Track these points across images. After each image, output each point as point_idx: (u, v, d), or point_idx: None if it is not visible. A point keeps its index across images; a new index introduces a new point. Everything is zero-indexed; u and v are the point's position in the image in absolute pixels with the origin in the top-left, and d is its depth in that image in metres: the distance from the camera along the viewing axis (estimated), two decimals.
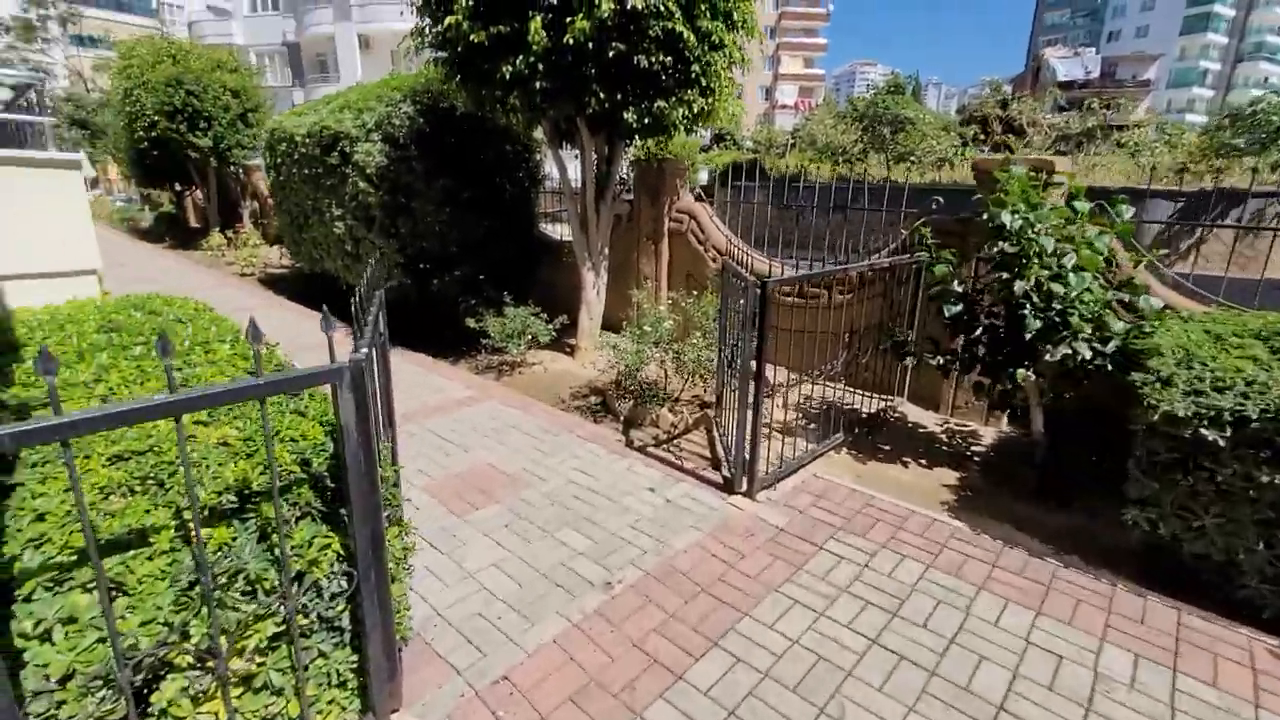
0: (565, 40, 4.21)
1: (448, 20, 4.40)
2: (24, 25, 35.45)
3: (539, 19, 4.25)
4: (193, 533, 1.73)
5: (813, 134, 34.52)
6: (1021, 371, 3.51)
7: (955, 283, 3.74)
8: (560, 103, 4.78)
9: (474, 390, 5.30)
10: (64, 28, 37.41)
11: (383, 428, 2.81)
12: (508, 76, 4.47)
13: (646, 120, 4.88)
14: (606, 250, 6.17)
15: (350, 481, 1.77)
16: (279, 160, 8.27)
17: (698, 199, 6.63)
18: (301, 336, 6.84)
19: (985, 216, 3.50)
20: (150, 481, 1.95)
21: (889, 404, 4.96)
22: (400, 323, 7.88)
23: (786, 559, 3.01)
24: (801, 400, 4.87)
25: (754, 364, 3.35)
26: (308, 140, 7.22)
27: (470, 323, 6.00)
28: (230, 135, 12.63)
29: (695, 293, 5.59)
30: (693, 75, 4.87)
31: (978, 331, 3.68)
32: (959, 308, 3.69)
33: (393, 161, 6.56)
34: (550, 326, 5.96)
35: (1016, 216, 3.36)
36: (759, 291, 3.22)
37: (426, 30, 4.90)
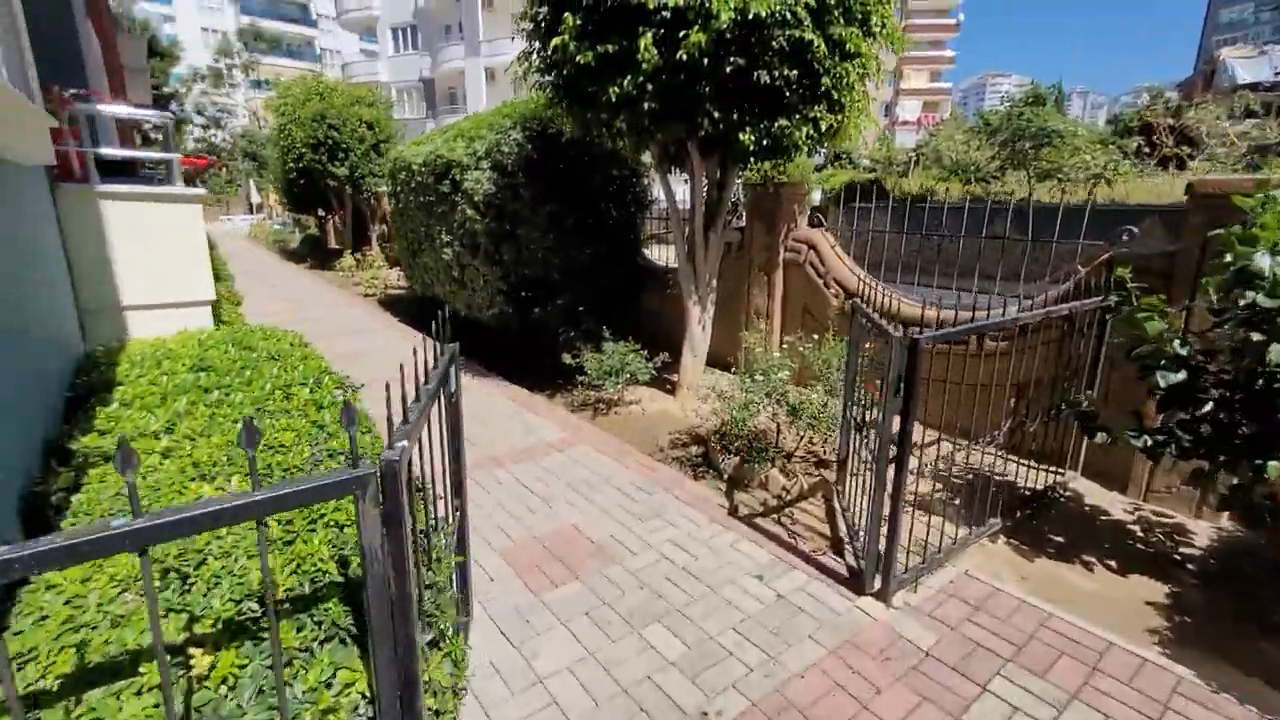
0: (678, 56, 3.79)
1: (554, 41, 4.14)
2: (215, 74, 41.11)
3: (649, 35, 3.87)
4: (193, 661, 1.40)
5: (938, 151, 32.20)
6: (1276, 464, 2.58)
7: (1176, 342, 2.86)
8: (669, 124, 4.37)
9: (567, 432, 4.96)
10: (245, 74, 42.98)
11: (450, 498, 2.47)
12: (614, 98, 4.12)
13: (765, 141, 4.35)
14: (714, 282, 5.67)
15: (371, 616, 1.37)
16: (398, 188, 8.56)
17: (815, 225, 5.98)
18: (405, 363, 6.88)
19: (1228, 258, 2.62)
20: (173, 575, 1.67)
21: (1058, 479, 4.02)
22: (500, 350, 7.89)
23: (939, 701, 2.31)
24: (943, 465, 4.06)
25: (895, 439, 2.69)
26: (423, 169, 7.36)
27: (567, 358, 5.70)
28: (364, 164, 13.52)
29: (815, 336, 4.94)
30: (821, 89, 4.29)
31: (1207, 407, 2.78)
32: (1180, 375, 2.81)
33: (500, 189, 6.47)
34: (650, 365, 5.52)
35: (1278, 259, 2.47)
36: (908, 349, 2.58)
37: (534, 54, 4.69)
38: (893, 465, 2.71)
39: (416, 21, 34.49)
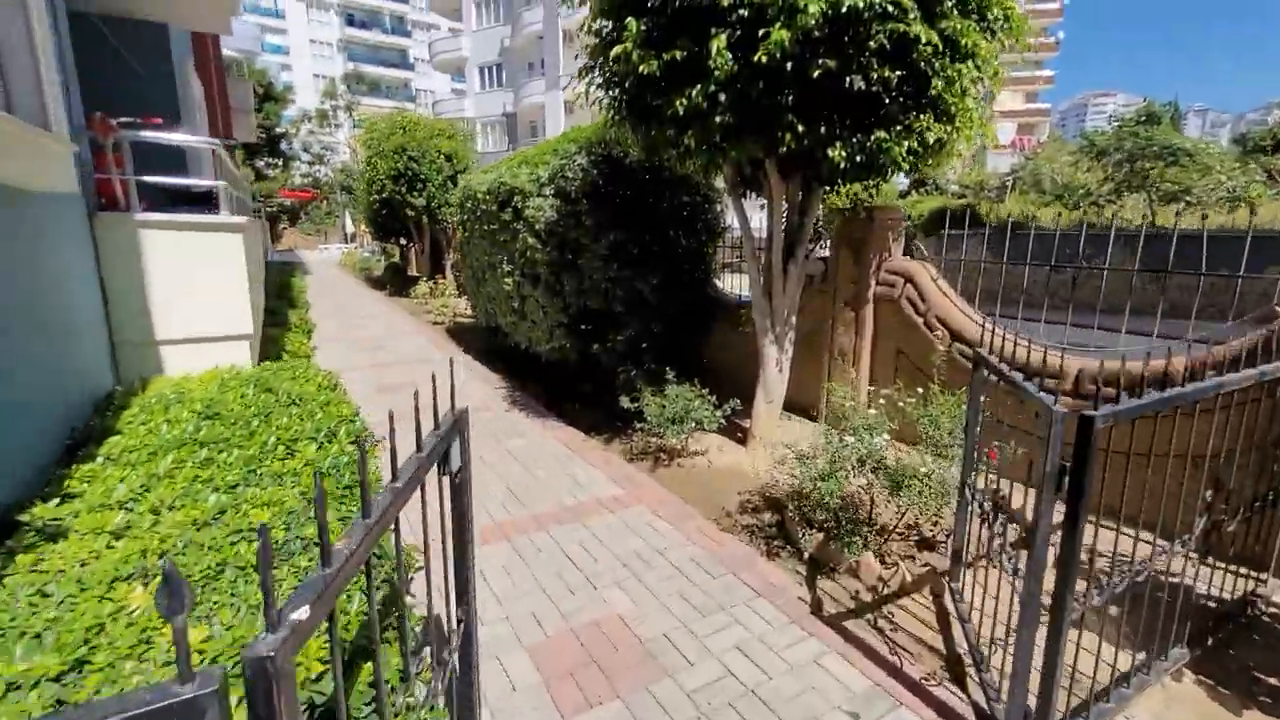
0: (756, 59, 3.24)
1: (616, 50, 3.69)
2: (321, 114, 44.49)
3: (722, 37, 3.35)
4: None
5: (1038, 174, 30.08)
6: None
7: None
8: (744, 140, 3.80)
9: (622, 487, 4.39)
10: (348, 114, 46.27)
11: (453, 605, 1.93)
12: (682, 111, 3.61)
13: (859, 158, 3.69)
14: (794, 319, 5.00)
15: None
16: (466, 217, 8.43)
17: (911, 255, 5.21)
18: (460, 397, 6.55)
19: None
20: None
21: (1257, 587, 3.05)
22: (557, 385, 7.51)
23: None
24: (1102, 564, 3.17)
25: (1056, 556, 1.94)
26: (487, 196, 7.14)
27: (625, 402, 5.16)
28: (440, 195, 13.76)
29: (915, 384, 4.16)
30: (927, 95, 3.62)
31: None
32: None
33: (562, 216, 6.11)
34: (718, 412, 4.88)
35: None
36: (1079, 430, 1.84)
37: (595, 67, 4.27)
38: (1053, 600, 1.95)
39: (502, 60, 35.97)
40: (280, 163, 40.64)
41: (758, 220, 5.13)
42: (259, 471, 2.29)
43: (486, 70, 37.47)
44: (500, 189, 6.76)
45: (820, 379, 5.68)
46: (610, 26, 4.06)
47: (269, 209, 38.39)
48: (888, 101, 3.60)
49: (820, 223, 5.66)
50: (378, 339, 9.77)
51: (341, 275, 22.02)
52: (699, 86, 3.50)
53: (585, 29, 4.38)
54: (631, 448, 5.28)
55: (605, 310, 6.39)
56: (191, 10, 7.22)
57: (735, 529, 3.84)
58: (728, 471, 4.75)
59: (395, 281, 18.15)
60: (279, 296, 9.17)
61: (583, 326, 6.39)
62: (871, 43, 3.35)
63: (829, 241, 5.73)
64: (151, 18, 7.01)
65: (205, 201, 6.92)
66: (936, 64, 3.50)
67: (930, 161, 4.13)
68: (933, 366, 4.61)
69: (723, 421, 4.92)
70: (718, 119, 3.59)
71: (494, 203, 6.94)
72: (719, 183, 6.95)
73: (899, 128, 3.70)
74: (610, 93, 4.29)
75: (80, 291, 3.20)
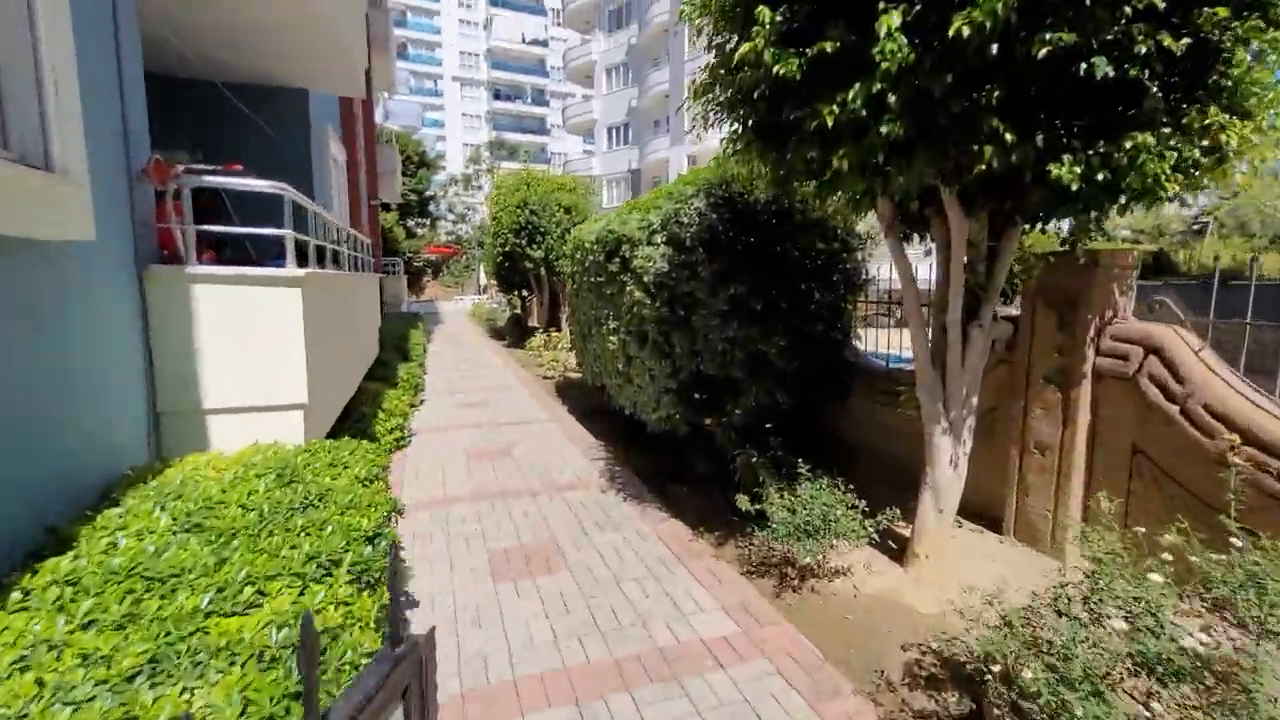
0: (954, 32, 2.23)
1: (743, 50, 2.83)
2: (465, 178, 48.61)
3: (894, 15, 2.38)
4: None
5: (1239, 214, 25.66)
6: None
7: None
8: (917, 160, 2.75)
9: (737, 621, 3.29)
10: (490, 176, 50.20)
11: None
12: (831, 122, 2.65)
13: (1101, 175, 2.50)
14: (974, 400, 3.72)
15: None
16: (575, 269, 7.93)
17: (1151, 314, 3.77)
18: (553, 468, 5.82)
19: None
20: None
21: None
22: (665, 458, 6.35)
23: None
24: None
25: None
26: (595, 246, 6.54)
27: (744, 502, 4.08)
28: (558, 247, 13.69)
29: (1178, 515, 2.74)
30: (1212, 79, 2.40)
31: None
32: None
33: (674, 267, 5.30)
34: (869, 526, 3.64)
35: None
36: None
37: (716, 83, 3.43)
38: None
39: (629, 120, 37.27)
40: (428, 222, 44.67)
41: (921, 269, 3.97)
42: (186, 645, 1.54)
43: (614, 130, 38.95)
44: (608, 238, 6.12)
45: (1002, 476, 4.28)
46: (733, 38, 3.24)
47: (416, 264, 42.12)
48: (1152, 92, 2.41)
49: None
50: (484, 393, 9.45)
51: (468, 325, 22.94)
52: (858, 86, 2.53)
53: (705, 43, 3.60)
54: (750, 555, 4.18)
55: (722, 376, 5.43)
56: (321, 77, 7.46)
57: (903, 712, 2.60)
58: (882, 603, 3.49)
59: (515, 333, 18.42)
60: (396, 349, 9.19)
61: (695, 395, 5.45)
62: (1129, 5, 2.23)
63: (1018, 296, 4.39)
64: (273, 83, 7.33)
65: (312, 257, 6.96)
66: (1240, 29, 2.28)
67: (1205, 179, 2.82)
68: (1202, 479, 3.12)
69: (875, 536, 3.68)
70: (882, 130, 2.58)
71: (601, 252, 6.30)
72: (861, 226, 5.87)
73: (1165, 129, 2.48)
74: (735, 113, 3.43)
75: (112, 354, 2.77)
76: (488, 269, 30.70)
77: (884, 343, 6.05)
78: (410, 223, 41.70)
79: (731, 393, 5.51)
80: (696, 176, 5.73)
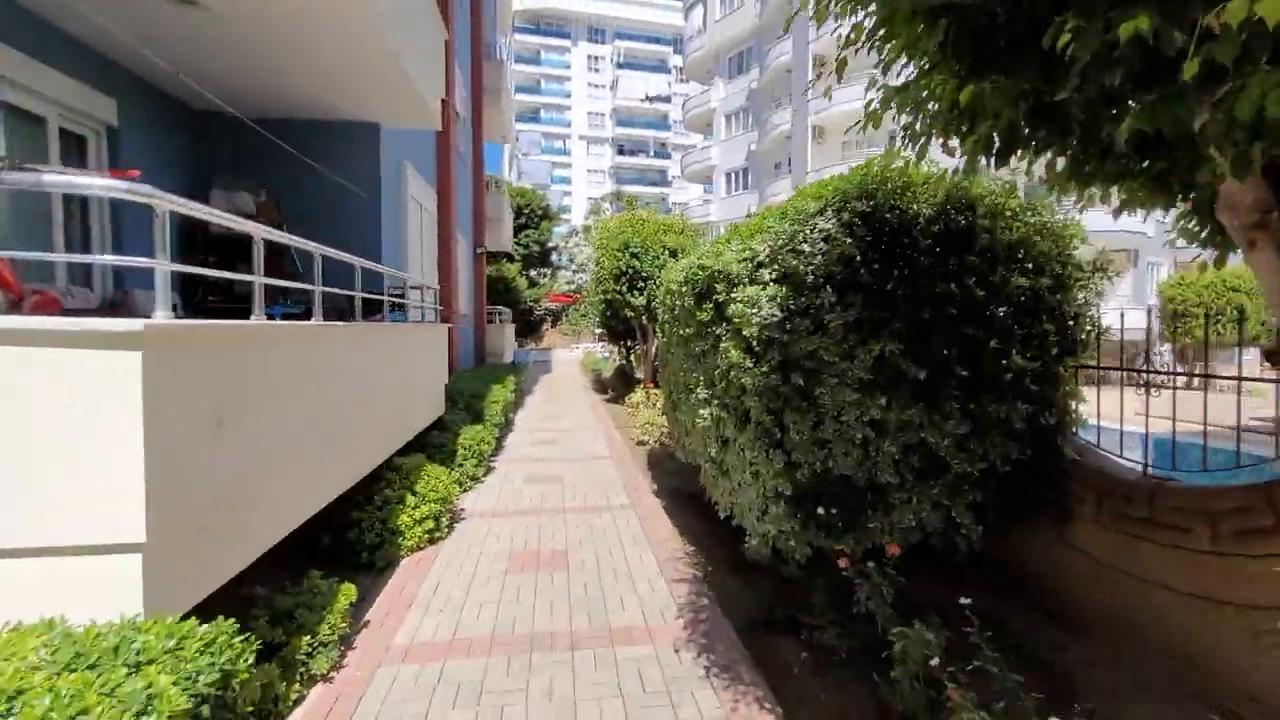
0: None
1: None
2: (585, 229, 49.83)
3: None
4: None
5: None
6: None
7: None
8: None
9: None
10: None
11: None
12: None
13: None
14: None
15: None
16: (665, 317, 6.42)
17: None
18: (616, 595, 4.19)
19: None
20: None
21: None
22: (775, 591, 4.13)
23: None
24: None
25: None
26: (683, 288, 4.99)
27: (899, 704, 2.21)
28: (660, 294, 12.37)
29: None
30: None
31: None
32: None
33: (789, 315, 3.60)
34: None
35: None
36: None
37: None
38: None
39: (748, 164, 36.10)
40: (549, 271, 45.97)
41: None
42: None
43: (733, 175, 38.00)
44: (696, 276, 4.55)
45: None
46: None
47: (537, 312, 43.17)
48: None
49: None
50: (562, 464, 8.07)
51: (575, 375, 22.21)
52: None
53: None
54: None
55: (863, 480, 3.59)
56: (384, 110, 6.73)
57: None
58: None
59: (619, 385, 17.23)
60: (467, 409, 8.13)
61: (820, 507, 3.62)
62: None
63: None
64: (336, 117, 6.66)
65: (372, 310, 6.03)
66: None
67: None
68: None
69: None
70: None
71: (689, 296, 4.73)
72: (1084, 251, 3.89)
73: None
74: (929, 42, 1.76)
75: None
76: (592, 317, 30.27)
77: (1104, 408, 3.86)
78: (533, 272, 43.06)
79: (878, 506, 3.63)
80: (823, 188, 4.05)
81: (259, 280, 2.85)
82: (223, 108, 6.05)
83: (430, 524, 4.95)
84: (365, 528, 4.60)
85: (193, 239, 6.45)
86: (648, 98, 67.88)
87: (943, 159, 3.64)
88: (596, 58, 68.93)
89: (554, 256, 46.02)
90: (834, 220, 3.70)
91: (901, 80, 2.32)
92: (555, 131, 68.60)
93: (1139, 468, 3.58)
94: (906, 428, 3.55)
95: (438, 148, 10.42)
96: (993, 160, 2.01)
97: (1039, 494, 3.89)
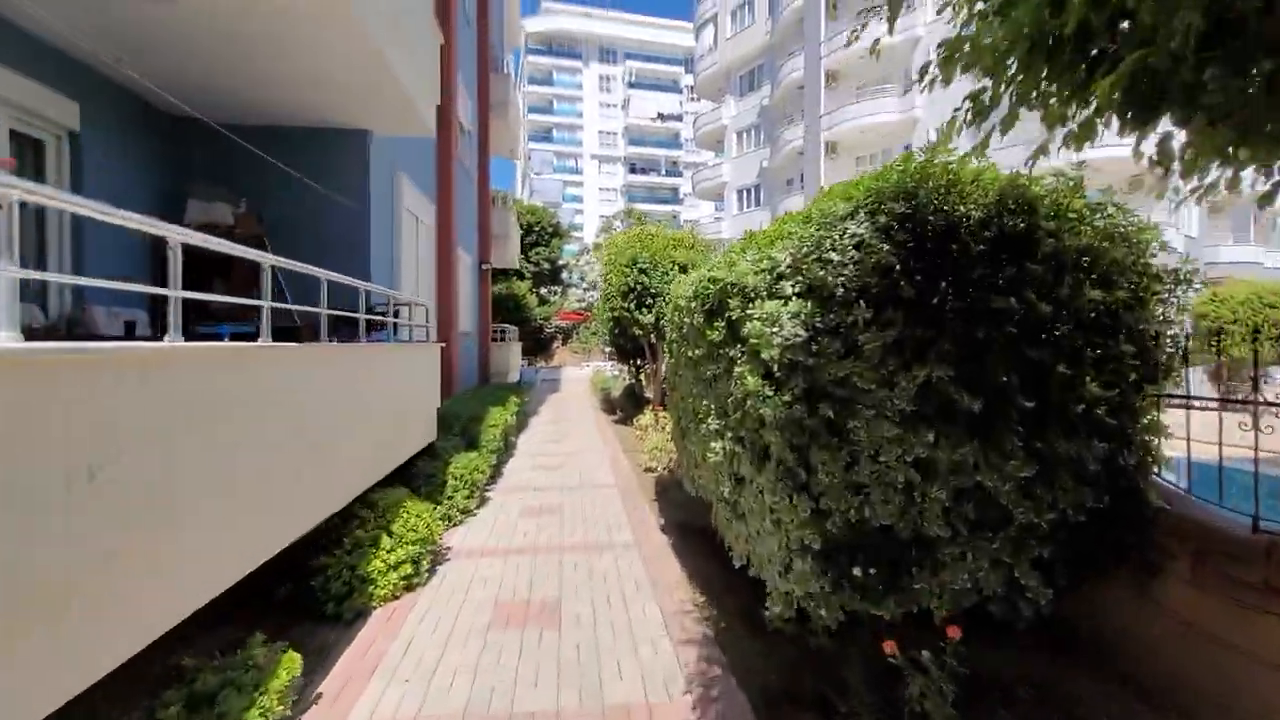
0: None
1: None
2: (596, 246, 49.67)
3: None
4: None
5: None
6: None
7: None
8: None
9: None
10: None
11: None
12: None
13: None
14: None
15: None
16: (674, 335, 5.88)
17: None
18: (612, 655, 3.60)
19: None
20: None
21: None
22: (799, 660, 3.33)
23: None
24: None
25: None
26: (692, 304, 4.45)
27: None
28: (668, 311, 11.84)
29: None
30: None
31: None
32: None
33: (815, 334, 3.06)
34: None
35: None
36: None
37: None
38: None
39: (759, 181, 35.76)
40: (560, 289, 45.69)
41: None
42: None
43: (744, 192, 37.68)
44: (706, 291, 4.01)
45: None
46: None
47: (548, 330, 42.81)
48: None
49: None
50: (563, 493, 7.50)
51: (584, 394, 21.69)
52: None
53: None
54: None
55: (907, 533, 3.01)
56: (372, 116, 6.31)
57: None
58: None
59: (629, 406, 16.66)
60: (463, 434, 7.60)
61: (856, 565, 3.03)
62: None
63: None
64: (323, 124, 6.25)
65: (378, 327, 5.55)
66: None
67: None
68: None
69: None
70: None
71: (699, 311, 4.19)
72: (1164, 257, 3.34)
73: None
74: None
75: None
76: (602, 335, 29.86)
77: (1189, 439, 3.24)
78: (543, 290, 42.80)
79: (924, 563, 3.03)
80: (853, 187, 3.51)
81: (175, 294, 2.36)
82: (195, 114, 5.65)
83: (408, 569, 4.40)
84: (332, 575, 4.05)
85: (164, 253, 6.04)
86: (660, 116, 68.22)
87: (994, 154, 3.11)
88: (608, 78, 69.47)
89: (565, 274, 45.76)
90: (867, 224, 3.15)
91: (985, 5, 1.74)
92: (568, 151, 68.97)
93: (1246, 519, 2.96)
94: (959, 469, 2.96)
95: (438, 159, 10.04)
96: (1127, 121, 1.46)
97: (1118, 540, 3.27)
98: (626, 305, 12.05)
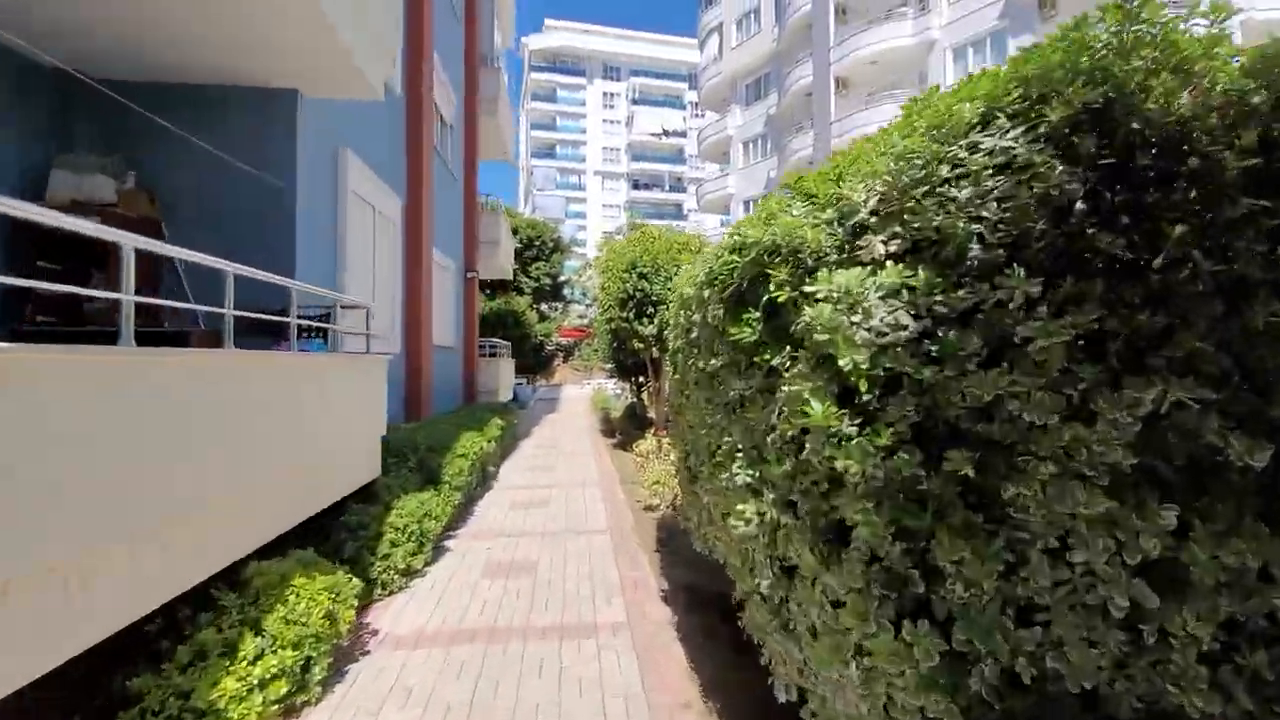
0: None
1: None
2: (598, 261, 48.57)
3: None
4: None
5: None
6: None
7: None
8: None
9: None
10: None
11: None
12: None
13: None
14: None
15: None
16: (677, 342, 4.48)
17: None
18: None
19: None
20: None
21: None
22: None
23: None
24: None
25: None
26: (706, 292, 3.03)
27: None
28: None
29: None
30: None
31: None
32: None
33: (933, 323, 1.62)
34: None
35: None
36: None
37: None
38: None
39: (765, 191, 34.75)
40: (561, 305, 44.45)
41: None
42: None
43: (750, 204, 36.58)
44: (730, 267, 2.59)
45: None
46: None
47: (549, 347, 41.48)
48: None
49: None
50: (541, 543, 6.04)
51: (583, 414, 20.28)
52: None
53: None
54: None
55: (1133, 707, 1.52)
56: (304, 73, 5.01)
57: None
58: None
59: (628, 428, 15.21)
60: (420, 467, 6.18)
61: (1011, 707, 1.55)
62: None
63: None
64: (235, 82, 4.95)
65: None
66: None
67: None
68: None
69: None
70: None
71: (715, 301, 2.77)
72: None
73: None
74: None
75: None
76: (601, 351, 28.47)
77: None
78: (544, 306, 41.55)
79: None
80: (986, 78, 2.09)
81: None
82: (68, 68, 4.36)
83: (282, 686, 2.95)
84: (150, 709, 2.62)
85: (28, 238, 4.72)
86: (664, 131, 67.63)
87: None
88: (611, 94, 69.05)
89: (566, 290, 44.51)
90: (1021, 131, 1.76)
91: None
92: (571, 167, 68.32)
93: None
94: (1236, 582, 1.53)
95: (408, 145, 8.75)
96: None
97: None
98: (625, 315, 10.68)
